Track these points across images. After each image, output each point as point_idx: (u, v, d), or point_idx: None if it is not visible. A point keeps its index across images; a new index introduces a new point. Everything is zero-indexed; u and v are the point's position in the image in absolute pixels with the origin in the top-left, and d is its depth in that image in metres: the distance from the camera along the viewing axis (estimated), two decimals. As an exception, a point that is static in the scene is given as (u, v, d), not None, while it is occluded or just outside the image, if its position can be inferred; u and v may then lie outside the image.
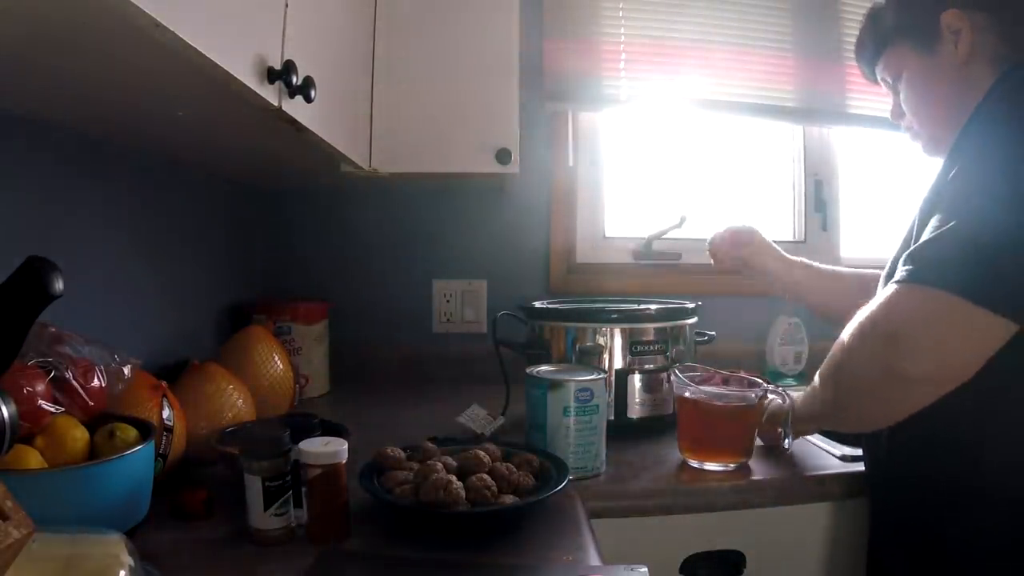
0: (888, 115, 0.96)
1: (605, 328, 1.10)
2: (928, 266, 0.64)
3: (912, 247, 0.67)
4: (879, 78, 0.92)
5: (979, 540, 0.72)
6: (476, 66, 1.21)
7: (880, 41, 0.88)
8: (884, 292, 0.68)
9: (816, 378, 0.81)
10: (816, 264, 1.15)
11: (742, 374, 1.00)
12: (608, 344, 1.09)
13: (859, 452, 0.96)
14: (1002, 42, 0.77)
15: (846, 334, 0.72)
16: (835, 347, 0.75)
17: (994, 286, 0.61)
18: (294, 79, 0.69)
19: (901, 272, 0.66)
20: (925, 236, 0.66)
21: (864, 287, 1.05)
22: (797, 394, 0.92)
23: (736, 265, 1.18)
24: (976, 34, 0.77)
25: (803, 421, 0.89)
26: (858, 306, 0.72)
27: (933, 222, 0.66)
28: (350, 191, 1.54)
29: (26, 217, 0.80)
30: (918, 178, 1.68)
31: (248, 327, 1.18)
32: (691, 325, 1.17)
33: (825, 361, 0.78)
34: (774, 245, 1.17)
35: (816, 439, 1.06)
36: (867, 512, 0.89)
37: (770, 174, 1.73)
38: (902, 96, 0.88)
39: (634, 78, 1.55)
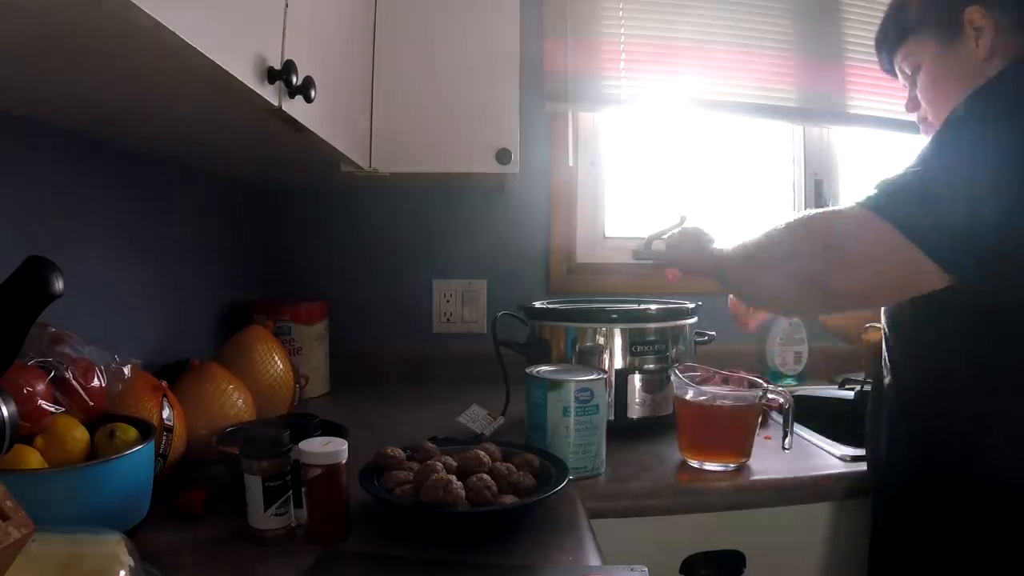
0: (884, 114, 0.97)
1: (605, 328, 1.10)
2: (884, 197, 0.68)
3: (882, 179, 0.70)
4: (897, 68, 0.92)
5: (980, 542, 0.72)
6: (476, 66, 1.21)
7: (902, 31, 0.88)
8: (842, 207, 0.72)
9: (739, 240, 0.83)
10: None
11: (742, 374, 1.00)
12: (608, 344, 1.09)
13: (860, 452, 0.96)
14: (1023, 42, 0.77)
15: (789, 223, 0.74)
16: (773, 229, 0.76)
17: (937, 234, 0.65)
18: (294, 79, 0.69)
19: (863, 196, 0.69)
20: (894, 173, 0.70)
21: None
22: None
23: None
24: (998, 33, 0.77)
25: (698, 260, 0.94)
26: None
27: (904, 166, 0.70)
28: (350, 191, 1.54)
29: (26, 217, 0.80)
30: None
31: (248, 327, 1.18)
32: (691, 325, 1.17)
33: (756, 234, 0.79)
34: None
35: (816, 439, 1.07)
36: (867, 512, 0.89)
37: (770, 174, 1.73)
38: (919, 87, 0.88)
39: (634, 78, 1.55)
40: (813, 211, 0.74)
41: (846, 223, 0.70)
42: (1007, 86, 0.72)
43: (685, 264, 0.99)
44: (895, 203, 0.67)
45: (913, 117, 0.92)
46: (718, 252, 0.89)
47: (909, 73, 0.89)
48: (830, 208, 0.74)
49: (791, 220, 0.75)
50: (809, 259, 0.70)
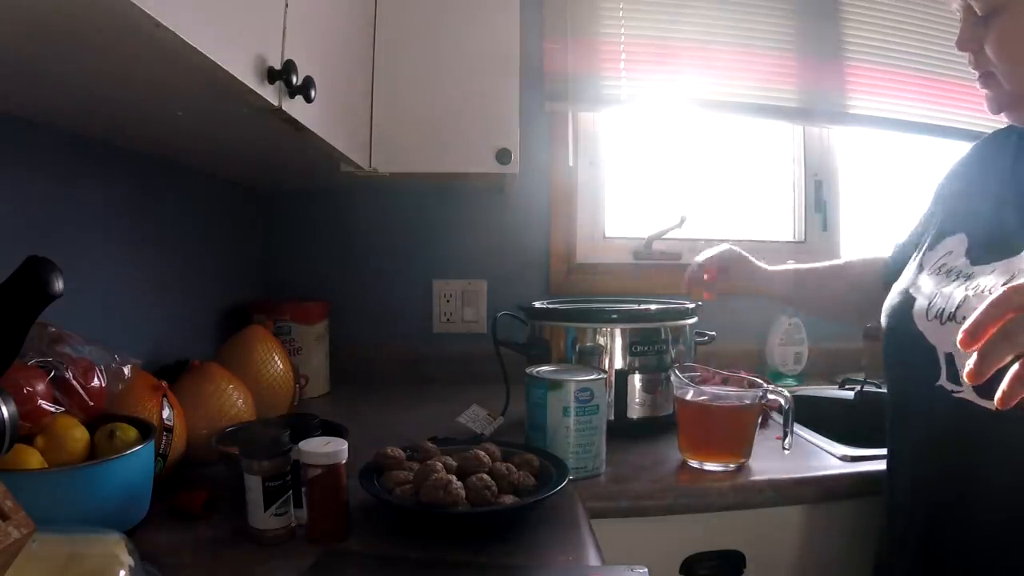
0: (884, 114, 0.93)
1: (605, 328, 1.10)
2: None
3: None
4: None
5: (984, 543, 0.71)
6: (476, 66, 1.21)
7: None
8: None
9: None
10: (799, 267, 1.13)
11: (742, 374, 1.00)
12: (608, 344, 1.09)
13: (860, 452, 0.96)
14: None
15: None
16: None
17: None
18: (294, 79, 0.69)
19: None
20: None
21: (851, 284, 1.04)
22: None
23: (724, 290, 1.17)
24: None
25: None
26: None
27: None
28: (350, 191, 1.53)
29: (26, 217, 0.80)
30: (918, 178, 1.69)
31: (248, 327, 1.18)
32: (691, 325, 1.17)
33: None
34: (751, 261, 1.15)
35: (816, 439, 1.06)
36: (870, 512, 0.89)
37: (770, 174, 1.73)
38: (995, 36, 0.72)
39: (634, 78, 1.55)
40: None
41: None
42: None
43: None
44: None
45: (964, 57, 0.77)
46: None
47: (980, 15, 0.73)
48: None
49: None
50: None
